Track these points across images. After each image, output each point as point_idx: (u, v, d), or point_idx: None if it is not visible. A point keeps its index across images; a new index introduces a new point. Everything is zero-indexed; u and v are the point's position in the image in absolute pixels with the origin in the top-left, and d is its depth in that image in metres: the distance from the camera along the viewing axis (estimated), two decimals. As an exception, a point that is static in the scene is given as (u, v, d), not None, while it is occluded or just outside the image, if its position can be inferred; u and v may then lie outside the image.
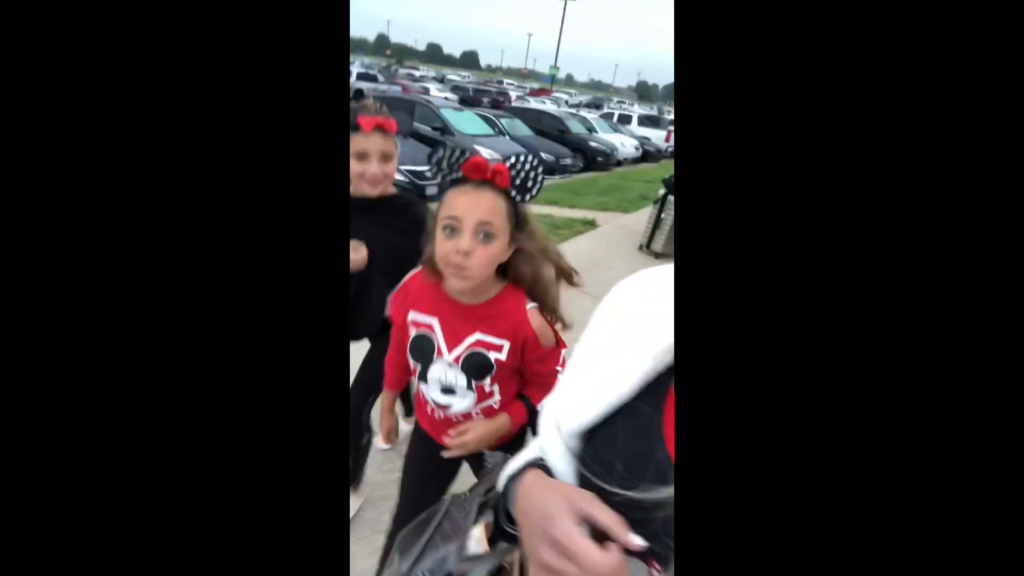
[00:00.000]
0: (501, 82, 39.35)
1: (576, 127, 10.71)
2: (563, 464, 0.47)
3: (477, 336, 0.91)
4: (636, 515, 0.38)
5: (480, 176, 0.81)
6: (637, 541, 0.37)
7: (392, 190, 1.27)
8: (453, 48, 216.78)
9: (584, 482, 0.43)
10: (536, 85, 41.49)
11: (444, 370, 0.94)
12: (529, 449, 0.54)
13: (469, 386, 0.94)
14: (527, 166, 0.82)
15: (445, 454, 0.97)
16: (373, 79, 16.60)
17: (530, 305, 0.92)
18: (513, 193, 0.83)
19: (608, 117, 14.95)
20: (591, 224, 5.40)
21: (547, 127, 10.29)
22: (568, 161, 8.92)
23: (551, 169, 8.27)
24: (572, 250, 3.96)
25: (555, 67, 31.82)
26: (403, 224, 1.26)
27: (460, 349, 0.92)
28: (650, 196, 5.89)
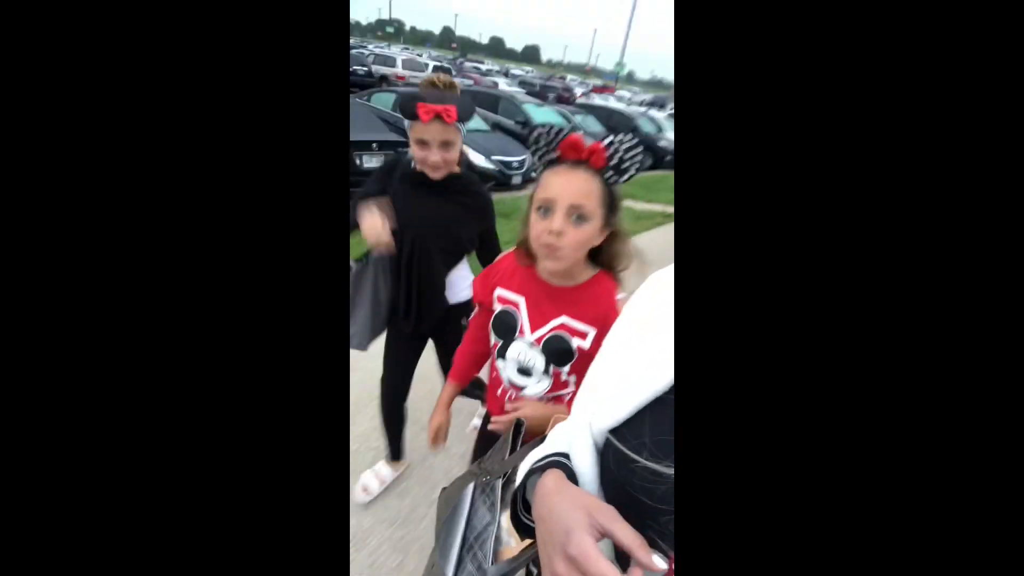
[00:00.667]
0: (564, 78, 39.49)
1: (645, 126, 10.93)
2: (588, 463, 0.47)
3: (563, 319, 0.90)
4: (660, 487, 0.39)
5: (576, 156, 0.80)
6: (660, 564, 0.35)
7: (456, 170, 1.28)
8: (515, 43, 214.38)
9: (610, 453, 0.44)
10: (599, 82, 41.25)
11: (524, 349, 0.93)
12: (552, 441, 0.53)
13: (546, 370, 0.92)
14: (624, 146, 0.80)
15: (490, 426, 0.95)
16: (448, 71, 17.32)
17: (621, 294, 0.90)
18: (609, 174, 0.81)
19: (673, 118, 14.97)
20: (669, 217, 5.74)
21: (618, 125, 10.56)
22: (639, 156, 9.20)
23: (622, 165, 8.59)
24: (654, 239, 4.31)
25: (621, 64, 31.63)
26: (467, 202, 1.30)
27: (544, 330, 0.91)
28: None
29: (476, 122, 6.77)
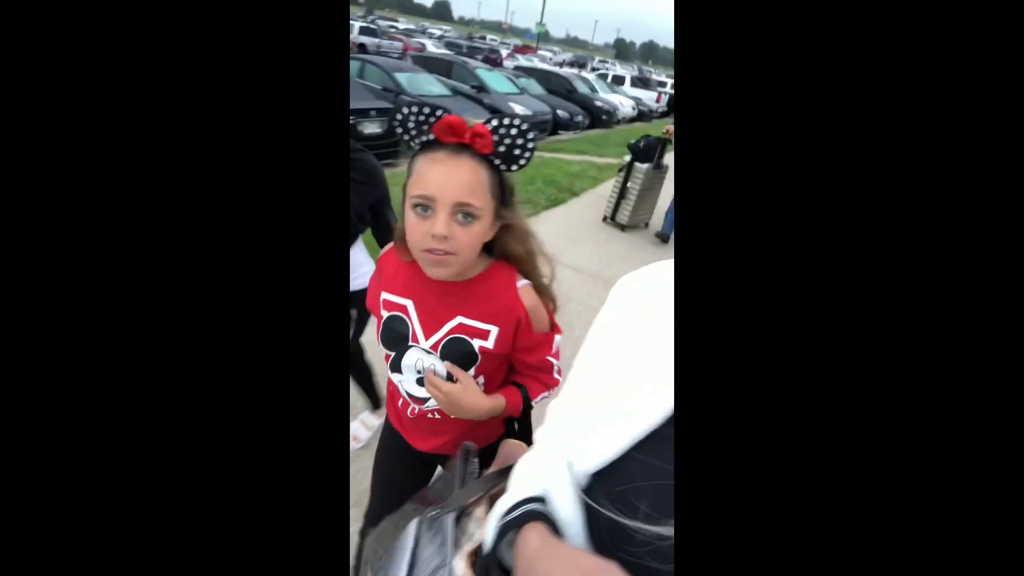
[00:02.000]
0: (484, 38, 39.08)
1: (581, 87, 11.71)
2: (571, 510, 0.40)
3: (459, 320, 0.80)
4: (666, 553, 0.33)
5: (456, 139, 0.68)
6: None
7: None
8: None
9: (600, 520, 0.37)
10: (517, 41, 41.22)
11: (421, 357, 0.83)
12: (521, 482, 0.46)
13: (449, 377, 0.83)
14: (513, 130, 0.69)
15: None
16: (374, 33, 16.91)
17: (522, 282, 0.81)
18: (497, 162, 0.71)
19: (603, 78, 15.89)
20: (616, 169, 6.68)
21: (556, 87, 11.26)
22: (580, 119, 10.01)
23: (566, 125, 9.36)
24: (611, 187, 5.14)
25: (542, 24, 31.94)
26: (354, 176, 1.17)
27: (439, 335, 0.81)
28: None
29: (439, 88, 7.19)
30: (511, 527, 0.42)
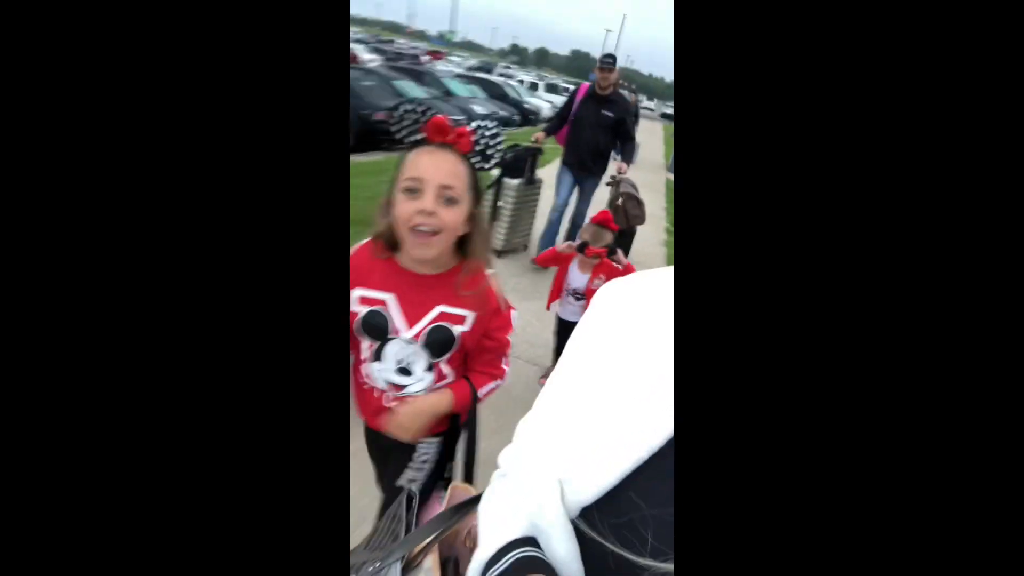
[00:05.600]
0: (392, 41, 40.43)
1: (511, 92, 14.50)
2: (566, 547, 0.35)
3: (440, 308, 0.91)
4: None
5: (442, 138, 0.83)
6: None
7: None
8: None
9: (607, 557, 0.33)
10: (423, 45, 42.91)
11: (402, 347, 0.92)
12: (499, 524, 0.40)
13: (429, 367, 0.93)
14: (488, 132, 0.83)
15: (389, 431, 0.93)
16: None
17: (489, 271, 0.95)
18: (475, 160, 0.84)
19: (521, 84, 18.88)
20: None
21: (492, 92, 13.93)
22: (517, 118, 12.80)
23: (507, 122, 12.07)
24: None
25: (452, 32, 34.37)
26: None
27: (422, 324, 0.91)
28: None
29: (421, 93, 9.53)
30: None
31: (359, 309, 0.92)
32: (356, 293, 0.92)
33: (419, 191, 0.83)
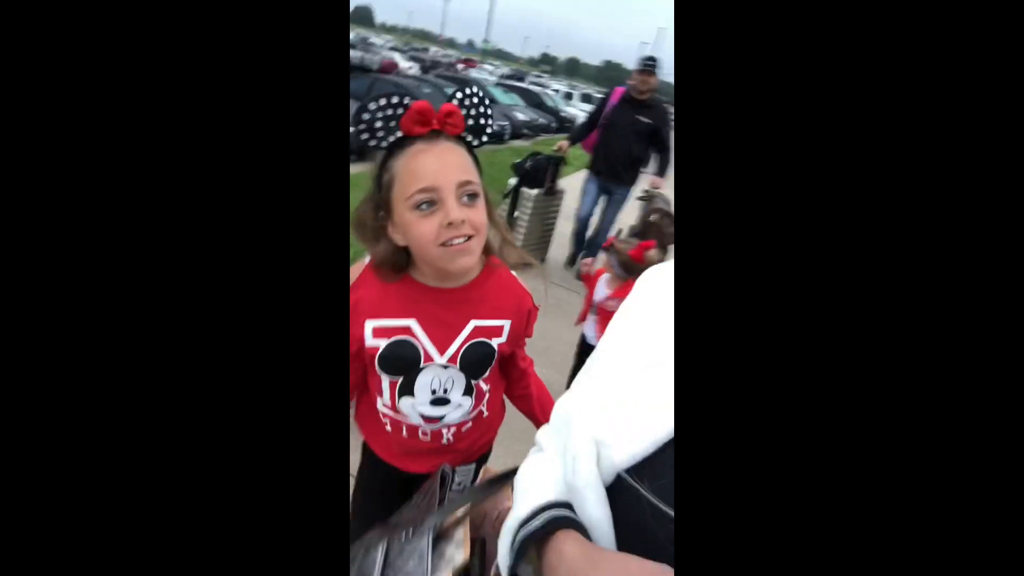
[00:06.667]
0: (427, 49, 41.44)
1: (548, 101, 14.78)
2: (600, 510, 0.37)
3: (474, 324, 0.78)
4: None
5: (426, 127, 0.67)
6: None
7: None
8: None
9: (645, 514, 0.35)
10: (456, 54, 43.67)
11: (437, 375, 0.79)
12: (532, 490, 0.42)
13: (468, 389, 0.81)
14: (475, 99, 0.71)
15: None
16: (352, 46, 18.92)
17: (515, 271, 0.83)
18: (469, 137, 0.72)
19: (556, 93, 19.19)
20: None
21: (530, 100, 14.21)
22: (555, 125, 13.06)
23: (545, 128, 12.31)
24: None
25: (488, 41, 34.96)
26: None
27: (456, 345, 0.78)
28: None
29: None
30: (532, 540, 0.38)
31: (376, 343, 0.77)
32: (370, 326, 0.77)
33: (437, 202, 0.68)
